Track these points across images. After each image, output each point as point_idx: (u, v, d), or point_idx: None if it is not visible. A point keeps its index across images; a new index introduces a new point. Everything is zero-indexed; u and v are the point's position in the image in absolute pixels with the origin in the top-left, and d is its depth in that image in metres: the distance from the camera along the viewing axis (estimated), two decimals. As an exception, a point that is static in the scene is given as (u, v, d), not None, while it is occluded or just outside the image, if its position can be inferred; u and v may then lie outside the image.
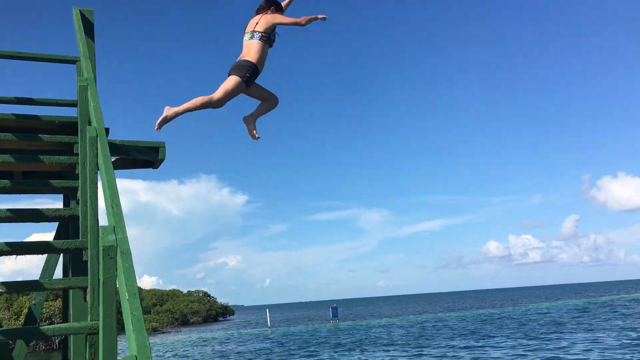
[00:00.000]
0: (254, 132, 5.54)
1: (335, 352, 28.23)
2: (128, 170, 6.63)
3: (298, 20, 5.21)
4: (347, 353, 27.20)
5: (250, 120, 5.55)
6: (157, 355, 33.62)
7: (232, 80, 5.18)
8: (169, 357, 32.52)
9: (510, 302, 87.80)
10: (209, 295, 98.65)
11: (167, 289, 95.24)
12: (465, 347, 25.74)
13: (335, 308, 65.89)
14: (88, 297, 3.97)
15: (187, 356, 32.06)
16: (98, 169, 4.07)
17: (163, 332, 63.77)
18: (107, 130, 6.14)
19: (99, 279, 3.10)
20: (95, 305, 3.68)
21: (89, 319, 3.91)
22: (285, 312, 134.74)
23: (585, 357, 20.05)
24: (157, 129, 5.35)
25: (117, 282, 2.97)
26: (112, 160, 6.53)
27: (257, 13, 5.39)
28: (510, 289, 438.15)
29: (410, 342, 30.64)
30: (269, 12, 5.35)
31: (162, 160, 6.73)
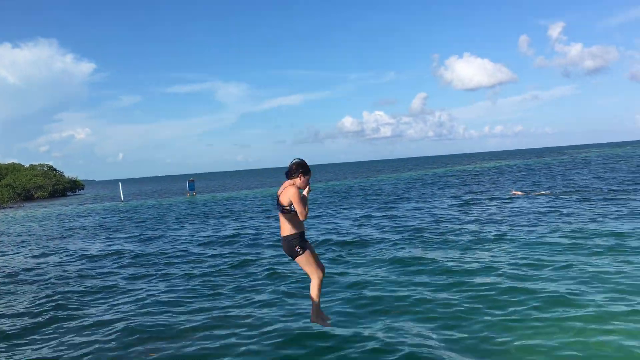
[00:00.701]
0: (327, 321, 6.25)
1: (188, 222, 28.53)
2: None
3: (301, 214, 5.67)
4: (199, 224, 27.62)
5: (319, 317, 6.13)
6: (-6, 232, 31.61)
7: (302, 259, 5.86)
8: (10, 234, 30.75)
9: (361, 174, 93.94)
10: (55, 169, 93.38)
11: (6, 163, 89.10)
12: (313, 217, 27.30)
13: (193, 181, 65.69)
14: None
15: (30, 232, 30.53)
16: None
17: (3, 208, 59.94)
18: None
19: None
20: None
21: None
22: (140, 186, 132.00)
23: (418, 219, 22.28)
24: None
25: None
26: None
27: (287, 177, 5.83)
28: (363, 162, 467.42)
29: (261, 212, 31.83)
30: (297, 178, 5.78)
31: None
